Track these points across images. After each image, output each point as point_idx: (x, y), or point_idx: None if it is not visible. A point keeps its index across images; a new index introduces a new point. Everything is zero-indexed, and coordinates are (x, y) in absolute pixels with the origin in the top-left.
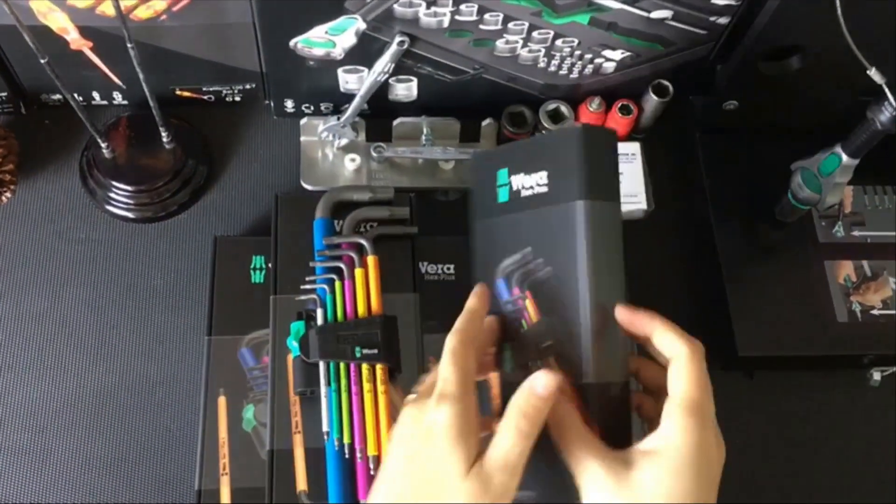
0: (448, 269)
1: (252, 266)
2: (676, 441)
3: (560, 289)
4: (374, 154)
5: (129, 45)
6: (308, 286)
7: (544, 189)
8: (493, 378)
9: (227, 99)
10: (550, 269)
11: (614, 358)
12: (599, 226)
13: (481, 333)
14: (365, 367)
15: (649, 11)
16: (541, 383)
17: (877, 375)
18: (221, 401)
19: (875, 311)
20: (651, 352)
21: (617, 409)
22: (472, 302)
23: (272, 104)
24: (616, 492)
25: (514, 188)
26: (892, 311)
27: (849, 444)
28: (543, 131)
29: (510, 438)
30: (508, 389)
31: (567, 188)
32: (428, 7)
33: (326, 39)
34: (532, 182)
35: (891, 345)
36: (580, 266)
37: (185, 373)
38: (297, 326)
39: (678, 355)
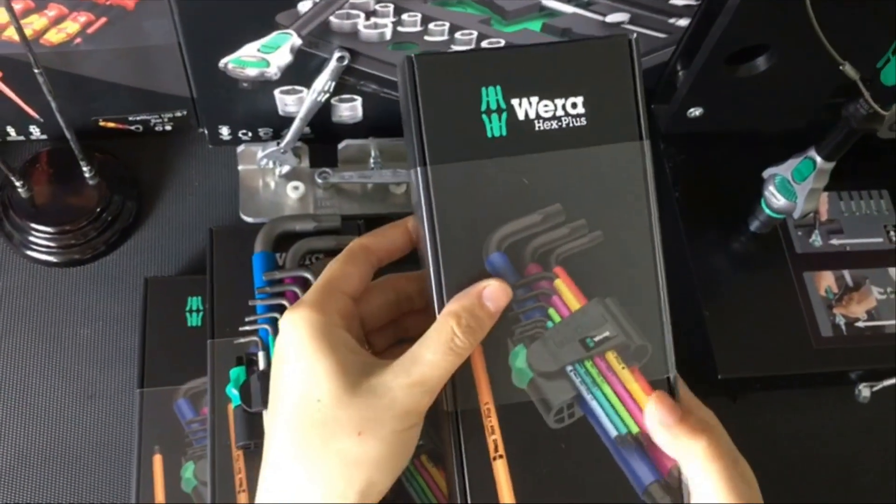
0: None
1: (188, 308)
2: None
3: (619, 260)
4: (319, 180)
5: (36, 71)
6: (248, 328)
7: (581, 122)
8: (487, 400)
9: (156, 128)
10: (600, 233)
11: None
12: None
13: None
14: None
15: (605, 15)
16: (492, 294)
17: (866, 392)
18: (157, 459)
19: (860, 324)
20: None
21: None
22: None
23: (206, 132)
24: None
25: (520, 117)
26: (878, 323)
27: (839, 464)
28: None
29: (437, 353)
30: (516, 415)
31: (617, 122)
32: (367, 19)
33: (259, 58)
34: (555, 110)
35: (878, 359)
36: (654, 226)
37: (119, 433)
38: (237, 372)
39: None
